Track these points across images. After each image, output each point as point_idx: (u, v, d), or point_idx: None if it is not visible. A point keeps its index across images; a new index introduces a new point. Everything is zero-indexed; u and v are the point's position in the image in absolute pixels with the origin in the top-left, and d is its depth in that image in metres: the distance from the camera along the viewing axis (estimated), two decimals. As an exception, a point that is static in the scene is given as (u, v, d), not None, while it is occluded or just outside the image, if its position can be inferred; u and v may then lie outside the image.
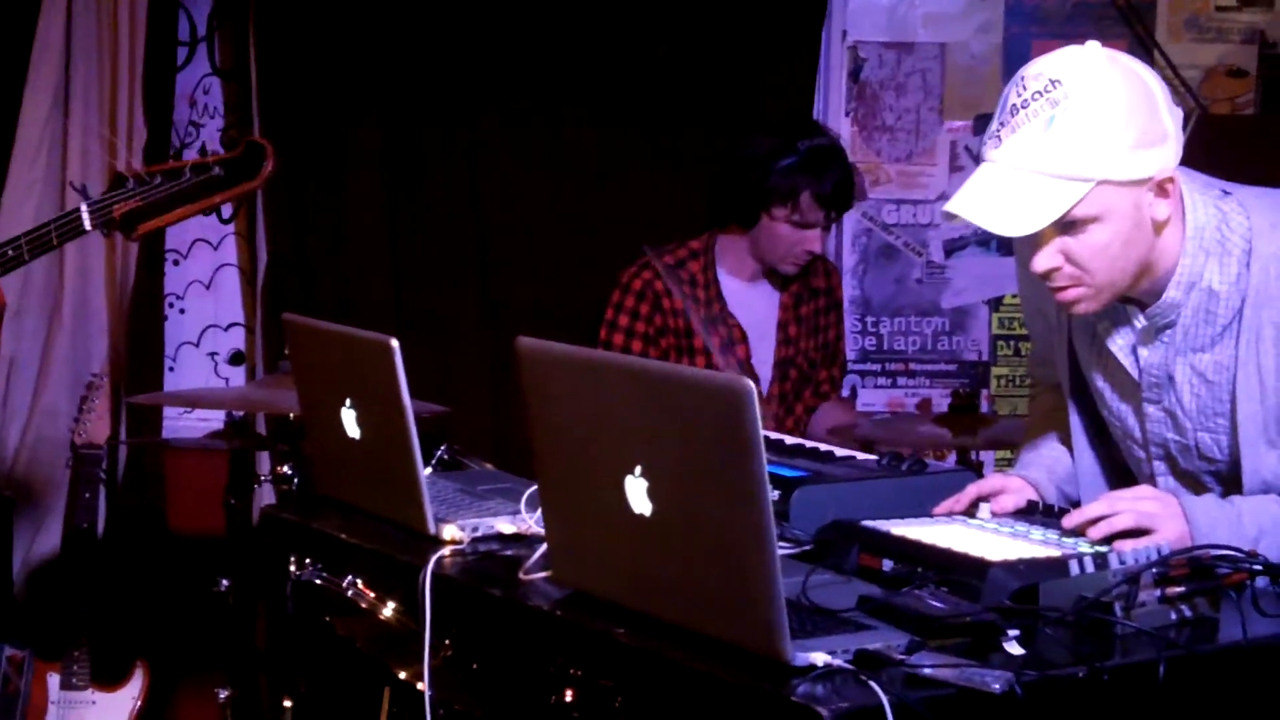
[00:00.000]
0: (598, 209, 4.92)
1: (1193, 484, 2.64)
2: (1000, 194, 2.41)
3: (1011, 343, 5.18)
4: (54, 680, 4.32)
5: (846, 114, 5.12)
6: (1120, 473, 2.78)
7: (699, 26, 4.92)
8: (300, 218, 4.91)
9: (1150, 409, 2.63)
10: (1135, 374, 2.62)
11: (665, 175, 4.91)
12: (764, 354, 4.20)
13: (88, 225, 2.90)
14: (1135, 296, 2.56)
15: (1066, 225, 2.42)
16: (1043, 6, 5.09)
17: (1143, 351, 2.60)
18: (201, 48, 5.13)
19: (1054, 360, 2.83)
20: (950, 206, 2.46)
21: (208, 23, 5.12)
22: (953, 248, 5.17)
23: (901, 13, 5.11)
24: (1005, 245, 5.13)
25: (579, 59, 4.89)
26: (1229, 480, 2.59)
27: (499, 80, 4.88)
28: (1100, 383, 2.70)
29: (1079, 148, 2.37)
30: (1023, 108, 2.40)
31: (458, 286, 4.90)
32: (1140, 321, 2.58)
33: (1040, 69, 2.42)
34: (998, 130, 2.43)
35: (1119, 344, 2.63)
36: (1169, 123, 2.43)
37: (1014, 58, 5.09)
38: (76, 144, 4.76)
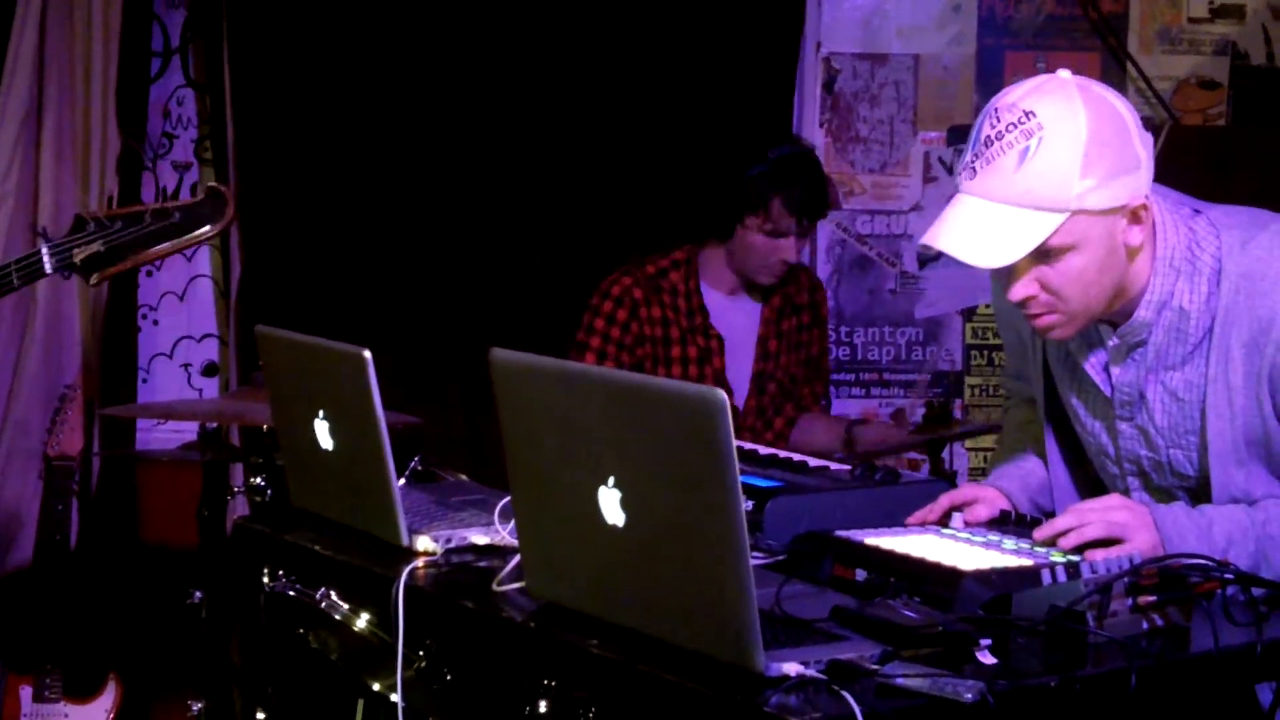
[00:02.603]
0: (574, 220, 4.92)
1: (1166, 499, 2.64)
2: (976, 227, 2.42)
3: (985, 352, 5.19)
4: (26, 693, 4.30)
5: (820, 125, 5.13)
6: (1094, 488, 2.79)
7: (676, 40, 4.93)
8: (273, 229, 4.90)
9: (1123, 426, 2.64)
10: (1108, 392, 2.63)
11: (643, 187, 4.92)
12: (741, 367, 4.19)
13: (48, 268, 2.91)
14: (1107, 317, 2.58)
15: (1042, 255, 2.42)
16: (1015, 19, 5.12)
17: (1115, 370, 2.61)
18: (175, 59, 5.13)
19: (1027, 375, 2.84)
20: (927, 240, 2.46)
21: (181, 34, 5.12)
22: (926, 258, 5.18)
23: (875, 25, 5.13)
24: (979, 256, 5.16)
25: (557, 72, 4.90)
26: (1201, 497, 2.59)
27: (474, 92, 4.88)
28: (1074, 400, 2.71)
29: (1053, 180, 2.38)
30: (996, 139, 2.41)
31: (432, 297, 4.90)
32: (1112, 340, 2.59)
33: (1013, 100, 2.43)
34: (972, 162, 2.44)
35: (1091, 362, 2.64)
36: (1141, 150, 2.44)
37: (987, 69, 5.11)
38: (50, 155, 4.75)
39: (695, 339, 4.11)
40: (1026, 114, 2.39)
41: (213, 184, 2.98)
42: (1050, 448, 2.81)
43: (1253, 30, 5.08)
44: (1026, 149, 2.38)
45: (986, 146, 2.42)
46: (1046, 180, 2.38)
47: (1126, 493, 2.69)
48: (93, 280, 2.95)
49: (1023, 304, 2.50)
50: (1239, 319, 2.49)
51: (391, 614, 2.46)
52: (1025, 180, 2.38)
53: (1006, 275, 2.49)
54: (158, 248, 2.95)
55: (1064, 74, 2.47)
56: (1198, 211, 2.57)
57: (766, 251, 4.06)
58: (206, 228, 2.96)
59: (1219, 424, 2.52)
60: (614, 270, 4.17)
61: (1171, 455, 2.60)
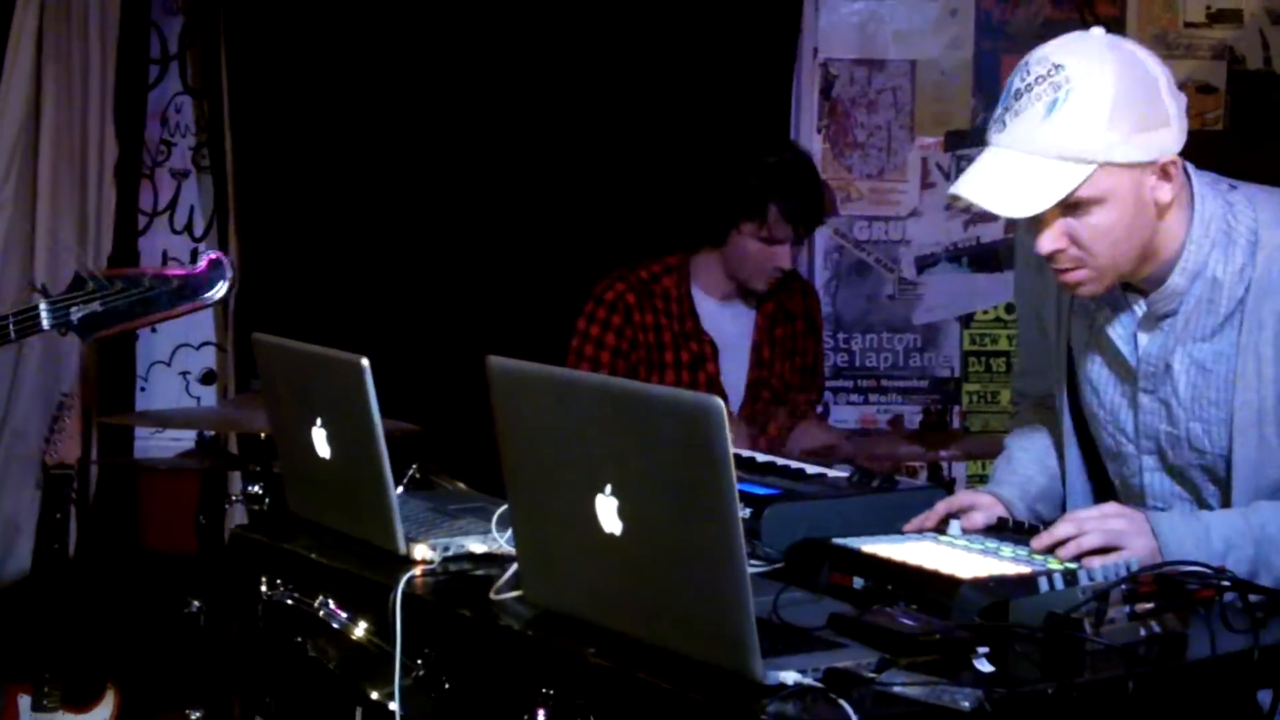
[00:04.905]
0: (569, 225, 4.92)
1: (1180, 479, 2.66)
2: (1004, 177, 2.44)
3: (983, 359, 5.19)
4: (25, 702, 4.30)
5: (818, 131, 5.13)
6: (1107, 486, 2.79)
7: (673, 46, 4.93)
8: (271, 236, 4.90)
9: (1145, 399, 2.64)
10: (1133, 362, 2.63)
11: (639, 193, 4.92)
12: (736, 374, 4.19)
13: (45, 325, 2.93)
14: (1137, 284, 2.59)
15: (1070, 207, 2.45)
16: (1012, 23, 5.12)
17: (1142, 340, 2.62)
18: (173, 66, 5.13)
19: (1042, 369, 2.84)
20: (955, 189, 2.49)
21: (179, 41, 5.12)
22: (924, 264, 5.18)
23: (872, 30, 5.13)
24: (977, 262, 5.17)
25: (552, 80, 4.90)
26: (1216, 475, 2.60)
27: (470, 98, 4.88)
28: (1095, 374, 2.71)
29: (1081, 131, 2.40)
30: (1026, 92, 2.44)
31: (430, 304, 4.90)
32: (1141, 309, 2.61)
33: (1044, 54, 2.46)
34: (1002, 115, 2.47)
35: (1118, 332, 2.65)
36: (1171, 107, 2.47)
37: (984, 74, 5.11)
38: (47, 163, 4.75)
39: (688, 344, 4.11)
40: (1056, 67, 2.43)
41: (216, 254, 2.99)
42: (1067, 433, 2.81)
43: (1250, 35, 5.09)
44: (1055, 100, 2.41)
45: (1016, 99, 2.45)
46: (1073, 131, 2.40)
47: (1140, 471, 2.69)
48: (88, 340, 2.97)
49: (1051, 258, 2.51)
50: (1274, 290, 2.52)
51: (389, 622, 2.46)
52: (1052, 131, 2.41)
53: (1035, 229, 2.50)
54: (155, 314, 2.96)
55: (1096, 31, 2.52)
56: (1233, 187, 2.60)
57: (761, 258, 4.05)
58: (205, 296, 2.97)
59: (1247, 394, 2.54)
60: (606, 276, 4.16)
61: (1190, 428, 2.61)
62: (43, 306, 2.92)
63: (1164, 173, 2.48)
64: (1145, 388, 2.64)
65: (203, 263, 2.98)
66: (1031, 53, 2.49)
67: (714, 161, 4.17)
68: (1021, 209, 2.44)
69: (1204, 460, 2.62)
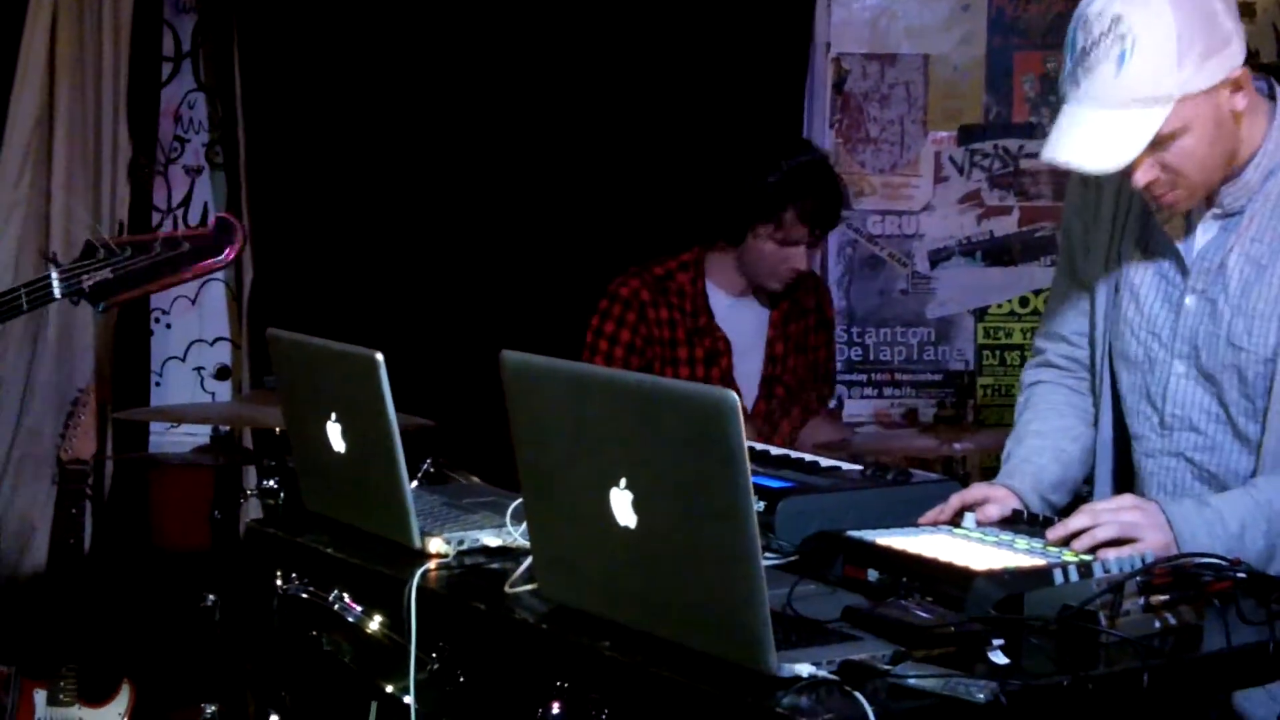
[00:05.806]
0: (584, 221, 4.93)
1: (1210, 382, 2.68)
2: (1089, 135, 2.52)
3: (997, 352, 5.19)
4: (40, 697, 4.31)
5: (831, 126, 5.13)
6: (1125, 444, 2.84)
7: (686, 42, 4.94)
8: (285, 232, 4.91)
9: (1190, 300, 2.69)
10: (1188, 259, 2.70)
11: (653, 189, 4.92)
12: (751, 370, 4.18)
13: (58, 293, 2.93)
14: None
15: (1156, 144, 2.52)
16: (1024, 19, 5.11)
17: (1201, 239, 2.69)
18: (186, 63, 5.14)
19: (1083, 302, 2.87)
20: (1046, 156, 2.56)
21: (192, 39, 5.13)
22: (938, 258, 5.18)
23: (884, 25, 5.13)
24: (990, 256, 5.16)
25: (567, 76, 4.91)
26: (1244, 377, 2.63)
27: (483, 96, 4.88)
28: (1139, 280, 2.77)
29: (1153, 76, 2.47)
30: (1092, 48, 2.51)
31: (444, 299, 4.91)
32: (1204, 209, 2.68)
33: (1099, 7, 2.52)
34: (1074, 71, 2.54)
35: (1177, 231, 2.71)
36: (1228, 22, 2.54)
37: (997, 69, 5.11)
38: (61, 161, 4.76)
39: (702, 340, 4.10)
40: (1115, 18, 2.49)
41: (223, 214, 2.99)
42: (1103, 358, 2.83)
43: (1263, 29, 5.08)
44: (1123, 53, 2.48)
45: (1084, 56, 2.52)
46: (1146, 78, 2.47)
47: (1166, 380, 2.72)
48: (101, 307, 2.97)
49: (1147, 188, 2.59)
50: None
51: (404, 616, 2.47)
52: (1126, 83, 2.48)
53: (1126, 168, 2.56)
54: (167, 278, 2.96)
55: None
56: None
57: (776, 260, 4.05)
58: (216, 259, 2.97)
59: None
60: (622, 272, 4.16)
61: (1233, 324, 2.65)
62: (54, 275, 2.92)
63: (1235, 84, 2.55)
64: (1195, 287, 2.69)
65: (211, 225, 2.98)
66: (1085, 5, 2.55)
67: (729, 160, 4.16)
68: (1112, 163, 2.52)
69: (1238, 360, 2.65)
